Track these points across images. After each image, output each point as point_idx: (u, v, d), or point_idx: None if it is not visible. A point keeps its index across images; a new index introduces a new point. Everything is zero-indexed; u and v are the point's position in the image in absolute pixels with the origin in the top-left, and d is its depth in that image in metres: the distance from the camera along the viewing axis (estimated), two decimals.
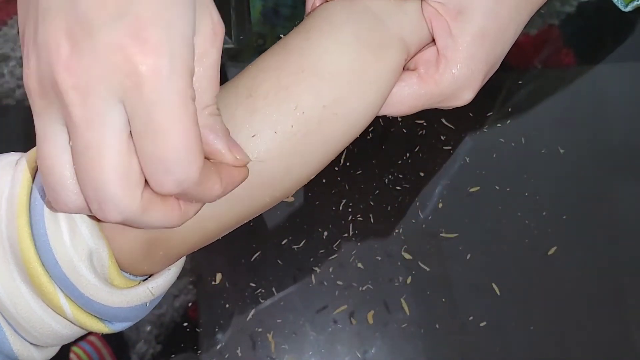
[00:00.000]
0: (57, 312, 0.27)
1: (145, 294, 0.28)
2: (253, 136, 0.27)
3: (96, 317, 0.27)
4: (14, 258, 0.26)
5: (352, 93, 0.28)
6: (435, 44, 0.31)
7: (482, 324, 0.46)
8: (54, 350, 0.30)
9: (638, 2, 0.46)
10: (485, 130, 0.51)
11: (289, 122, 0.27)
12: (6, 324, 0.27)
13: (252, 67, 0.29)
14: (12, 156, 0.28)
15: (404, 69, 0.31)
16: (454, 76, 0.30)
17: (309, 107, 0.27)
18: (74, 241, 0.26)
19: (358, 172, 0.50)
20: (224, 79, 0.29)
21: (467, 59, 0.30)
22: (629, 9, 0.47)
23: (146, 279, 0.30)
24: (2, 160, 0.28)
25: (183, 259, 0.30)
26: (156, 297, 0.29)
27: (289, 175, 0.28)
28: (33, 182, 0.26)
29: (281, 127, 0.27)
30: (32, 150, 0.28)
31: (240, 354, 0.45)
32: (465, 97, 0.31)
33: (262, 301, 0.47)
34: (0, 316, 0.27)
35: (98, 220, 0.27)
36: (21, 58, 0.57)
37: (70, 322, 0.27)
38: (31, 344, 0.28)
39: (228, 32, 0.55)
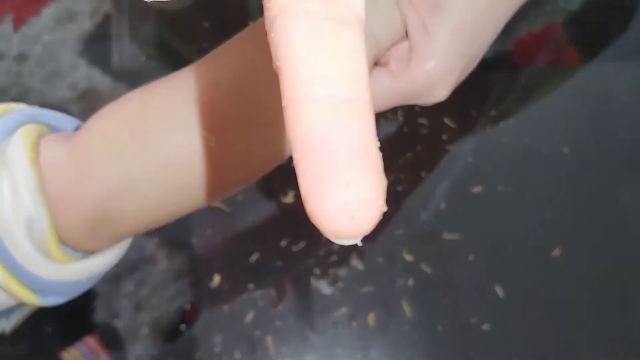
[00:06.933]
0: None
1: (82, 270, 0.28)
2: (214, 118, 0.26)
3: (27, 286, 0.27)
4: None
5: None
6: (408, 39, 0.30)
7: (485, 327, 0.46)
8: None
9: None
10: (487, 130, 0.50)
11: (249, 105, 0.26)
12: None
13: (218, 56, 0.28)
14: None
15: (375, 64, 0.30)
16: (427, 73, 0.29)
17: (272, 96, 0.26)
18: (15, 205, 0.25)
19: None
20: None
21: (442, 55, 0.28)
22: None
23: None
24: None
25: (128, 241, 0.30)
26: (94, 275, 0.29)
27: (247, 160, 0.27)
28: None
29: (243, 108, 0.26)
30: None
31: (238, 358, 0.45)
32: (440, 93, 0.30)
33: (260, 303, 0.46)
34: None
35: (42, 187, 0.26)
36: (17, 56, 0.57)
37: (2, 288, 0.27)
38: None
39: (228, 32, 0.55)
